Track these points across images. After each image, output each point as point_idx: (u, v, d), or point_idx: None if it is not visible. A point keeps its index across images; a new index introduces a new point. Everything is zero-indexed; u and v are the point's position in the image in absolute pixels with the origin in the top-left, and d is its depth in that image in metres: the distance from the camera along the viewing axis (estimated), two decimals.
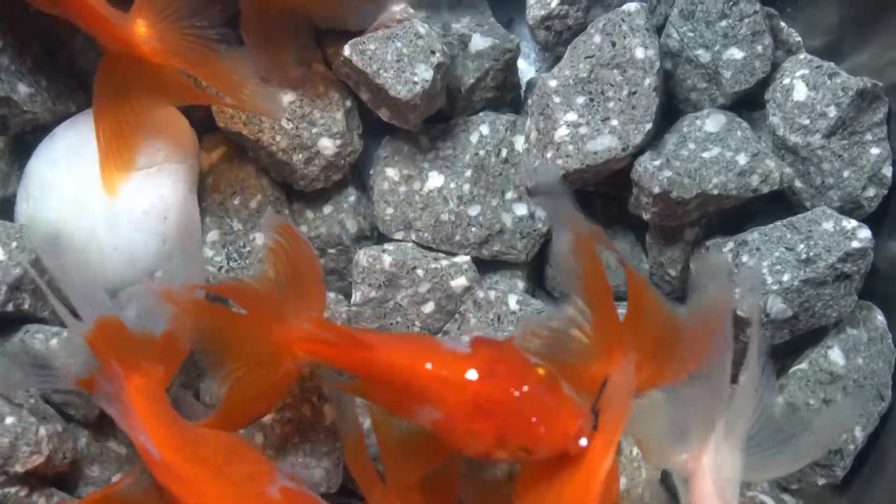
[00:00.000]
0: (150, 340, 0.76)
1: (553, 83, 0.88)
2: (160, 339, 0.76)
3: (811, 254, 0.86)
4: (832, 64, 0.89)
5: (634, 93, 0.87)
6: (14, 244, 0.84)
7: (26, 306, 0.84)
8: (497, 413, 0.69)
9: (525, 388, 0.69)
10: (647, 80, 0.86)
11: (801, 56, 0.91)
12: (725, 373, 0.71)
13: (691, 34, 0.90)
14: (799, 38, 0.94)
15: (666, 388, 0.74)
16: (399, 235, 0.93)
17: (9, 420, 0.80)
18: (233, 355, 0.76)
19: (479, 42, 0.93)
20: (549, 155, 0.88)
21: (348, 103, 0.92)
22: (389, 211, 0.93)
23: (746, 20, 0.89)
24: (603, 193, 0.93)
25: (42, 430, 0.81)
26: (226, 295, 0.81)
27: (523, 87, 0.98)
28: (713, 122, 0.89)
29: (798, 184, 0.91)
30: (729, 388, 0.71)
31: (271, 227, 0.77)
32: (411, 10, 0.90)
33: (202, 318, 0.76)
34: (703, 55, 0.90)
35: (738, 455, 0.72)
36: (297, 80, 0.90)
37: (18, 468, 0.80)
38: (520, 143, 0.93)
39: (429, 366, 0.71)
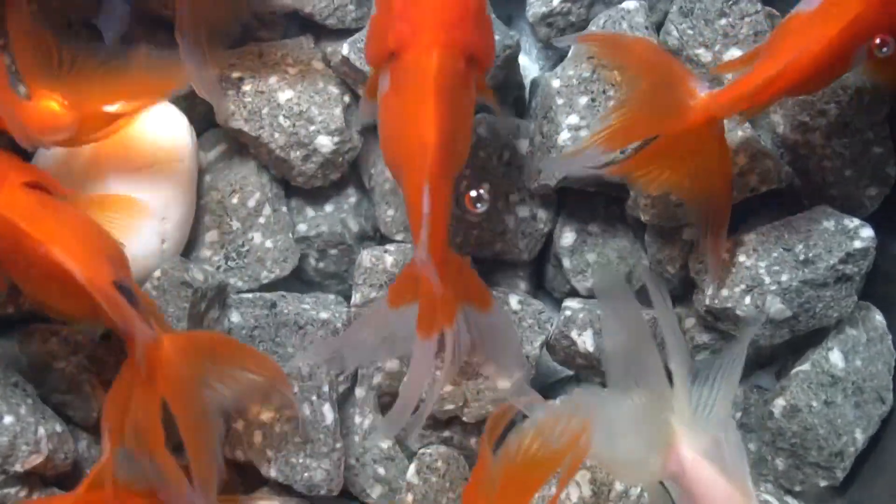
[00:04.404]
0: None
1: (556, 83, 0.88)
2: None
3: (810, 255, 0.85)
4: None
5: None
6: None
7: (28, 306, 0.85)
8: None
9: None
10: None
11: None
12: (660, 371, 0.74)
13: (690, 31, 0.89)
14: None
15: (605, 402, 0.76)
16: (400, 237, 0.93)
17: (7, 419, 0.80)
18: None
19: None
20: (554, 157, 0.87)
21: (346, 98, 0.92)
22: (391, 213, 0.93)
23: (747, 19, 0.88)
24: (604, 194, 0.93)
25: (41, 430, 0.81)
26: None
27: (527, 88, 0.97)
28: None
29: (797, 182, 0.90)
30: (666, 382, 0.74)
31: None
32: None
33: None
34: (704, 55, 0.89)
35: (733, 433, 0.73)
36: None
37: (18, 467, 0.80)
38: (523, 146, 0.92)
39: None
